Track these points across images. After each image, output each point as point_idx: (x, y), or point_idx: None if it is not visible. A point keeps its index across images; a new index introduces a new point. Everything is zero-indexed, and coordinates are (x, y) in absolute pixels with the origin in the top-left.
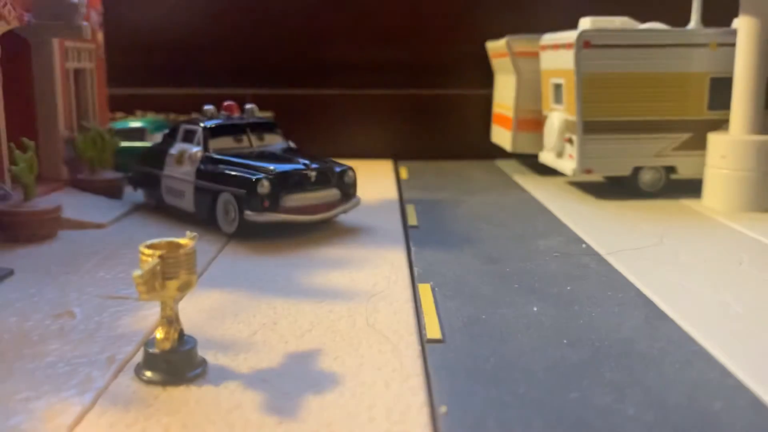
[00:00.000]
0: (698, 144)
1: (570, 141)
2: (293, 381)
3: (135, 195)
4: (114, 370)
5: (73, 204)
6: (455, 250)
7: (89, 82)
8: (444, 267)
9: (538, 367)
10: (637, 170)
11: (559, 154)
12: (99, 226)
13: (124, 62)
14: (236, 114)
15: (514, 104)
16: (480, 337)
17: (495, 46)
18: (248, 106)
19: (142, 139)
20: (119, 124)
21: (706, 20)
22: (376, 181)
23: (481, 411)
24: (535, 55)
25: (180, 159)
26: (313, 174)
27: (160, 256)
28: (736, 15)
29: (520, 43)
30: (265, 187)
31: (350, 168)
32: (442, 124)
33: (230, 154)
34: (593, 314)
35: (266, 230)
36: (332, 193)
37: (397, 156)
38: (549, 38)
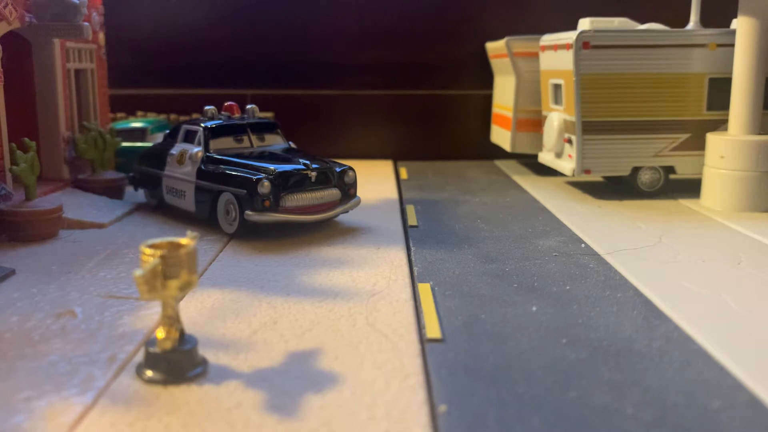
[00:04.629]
0: (697, 144)
1: (569, 141)
2: (293, 380)
3: (136, 195)
4: (115, 370)
5: (74, 204)
6: (455, 250)
7: (90, 82)
8: (444, 266)
9: (537, 366)
10: (636, 170)
11: (559, 155)
12: (100, 225)
13: (125, 63)
14: (237, 114)
15: (514, 105)
16: (479, 337)
17: (494, 47)
18: (249, 106)
19: (143, 140)
20: (120, 125)
21: (705, 20)
22: (376, 181)
23: (480, 410)
24: (534, 56)
25: (181, 159)
26: (313, 174)
27: (161, 256)
28: (735, 15)
29: (520, 43)
30: (265, 187)
31: (350, 168)
32: (442, 124)
33: (231, 155)
34: (592, 314)
35: (267, 230)
36: (332, 193)
37: (397, 156)
38: (548, 39)
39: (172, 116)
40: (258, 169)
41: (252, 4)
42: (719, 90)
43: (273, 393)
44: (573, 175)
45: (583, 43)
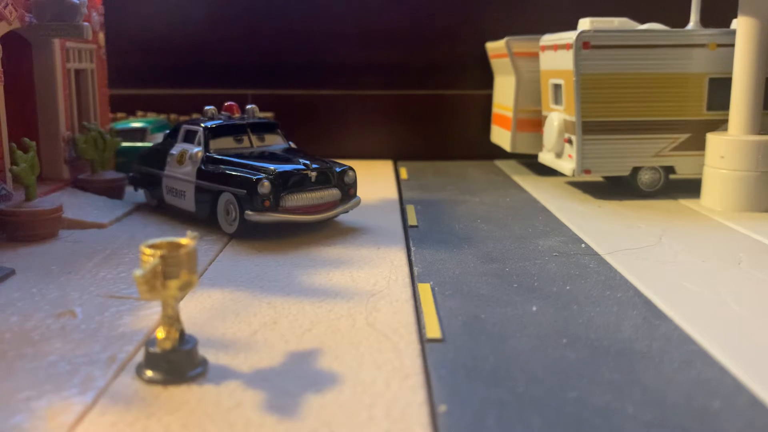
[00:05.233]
0: (697, 144)
1: (569, 141)
2: (293, 380)
3: (136, 195)
4: (115, 370)
5: (74, 204)
6: (455, 250)
7: (90, 82)
8: (444, 266)
9: (537, 366)
10: (636, 170)
11: (559, 155)
12: (100, 226)
13: (124, 63)
14: (237, 114)
15: (514, 105)
16: (479, 337)
17: (494, 47)
18: (249, 106)
19: (143, 140)
20: (120, 125)
21: (705, 20)
22: (376, 181)
23: (480, 410)
24: (534, 56)
25: (181, 159)
26: (313, 174)
27: (161, 256)
28: (735, 15)
29: (520, 43)
30: (265, 187)
31: (350, 168)
32: (442, 124)
33: (231, 155)
34: (592, 314)
35: (267, 230)
36: (332, 193)
37: (397, 156)
38: (548, 39)
39: (172, 116)
40: (258, 169)
41: (252, 5)
42: (719, 90)
43: (273, 393)
44: (573, 175)
45: (583, 43)
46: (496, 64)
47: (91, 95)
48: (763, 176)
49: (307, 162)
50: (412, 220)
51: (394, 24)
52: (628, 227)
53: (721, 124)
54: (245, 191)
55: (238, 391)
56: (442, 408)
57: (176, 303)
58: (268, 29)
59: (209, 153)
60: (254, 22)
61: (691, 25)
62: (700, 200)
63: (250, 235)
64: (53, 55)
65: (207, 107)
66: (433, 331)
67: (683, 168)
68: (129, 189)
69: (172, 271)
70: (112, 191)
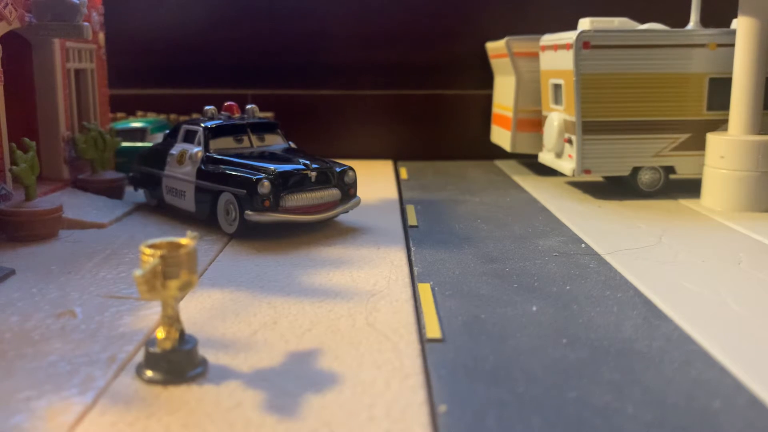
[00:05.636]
0: (697, 144)
1: (569, 141)
2: (293, 380)
3: (136, 195)
4: (115, 370)
5: (74, 204)
6: (455, 250)
7: (90, 82)
8: (444, 266)
9: (537, 366)
10: (636, 170)
11: (559, 155)
12: (100, 226)
13: (124, 63)
14: (237, 114)
15: (514, 105)
16: (479, 337)
17: (494, 47)
18: (249, 106)
19: (143, 140)
20: (120, 125)
21: (705, 20)
22: (376, 181)
23: (480, 410)
24: (534, 56)
25: (181, 159)
26: (313, 174)
27: (161, 256)
28: (735, 15)
29: (520, 43)
30: (265, 187)
31: (350, 168)
32: (442, 124)
33: (231, 155)
34: (592, 314)
35: (267, 230)
36: (332, 193)
37: (397, 156)
38: (548, 39)
39: (172, 116)
40: (258, 169)
41: (252, 5)
42: (719, 90)
43: (273, 393)
44: (573, 175)
45: (583, 43)
46: (496, 64)
47: (91, 95)
48: (763, 176)
49: (307, 162)
50: (412, 220)
51: (394, 24)
52: (628, 227)
53: (721, 124)
54: (245, 191)
55: (238, 391)
56: (442, 408)
57: (176, 303)
58: (268, 29)
59: (209, 153)
60: (254, 22)
61: (691, 25)
62: (700, 200)
63: (250, 235)
64: (53, 55)
65: (207, 107)
66: (433, 331)
67: (683, 168)
68: (129, 189)
69: (172, 271)
70: (112, 191)
